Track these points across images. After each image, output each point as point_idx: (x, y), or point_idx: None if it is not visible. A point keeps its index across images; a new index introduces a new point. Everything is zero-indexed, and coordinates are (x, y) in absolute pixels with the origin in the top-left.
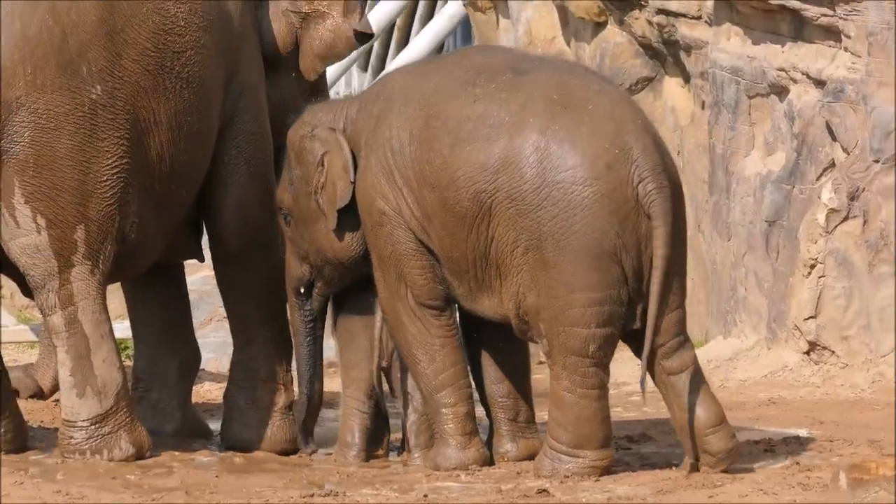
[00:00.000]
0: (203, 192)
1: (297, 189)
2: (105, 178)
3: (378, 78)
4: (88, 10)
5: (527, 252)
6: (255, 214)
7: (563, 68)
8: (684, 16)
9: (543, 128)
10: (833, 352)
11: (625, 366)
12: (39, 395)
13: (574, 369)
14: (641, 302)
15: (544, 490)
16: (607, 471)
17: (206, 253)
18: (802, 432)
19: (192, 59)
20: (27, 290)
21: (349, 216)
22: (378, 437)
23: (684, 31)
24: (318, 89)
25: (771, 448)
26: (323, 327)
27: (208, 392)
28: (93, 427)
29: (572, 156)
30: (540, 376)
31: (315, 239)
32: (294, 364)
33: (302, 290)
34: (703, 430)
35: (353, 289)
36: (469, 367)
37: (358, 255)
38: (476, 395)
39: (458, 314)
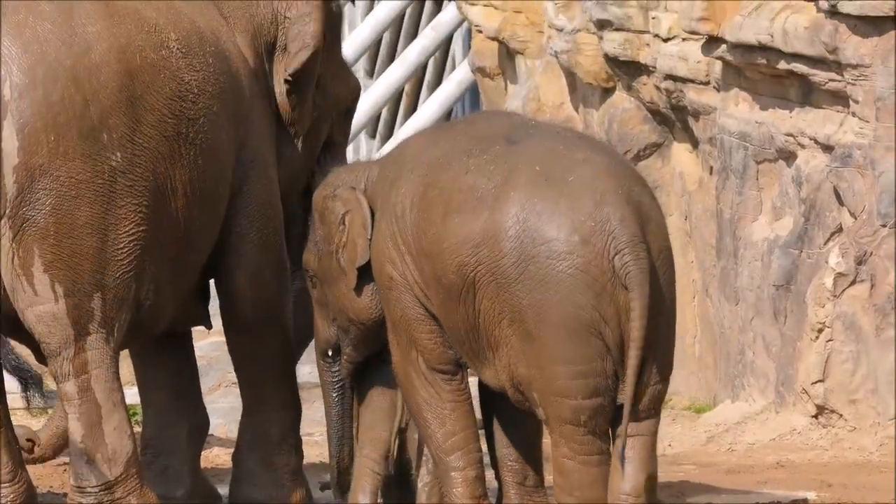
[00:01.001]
0: (214, 261)
1: (321, 249)
2: (122, 245)
3: (400, 141)
4: (109, 77)
5: (511, 324)
6: (267, 283)
7: (555, 136)
8: (692, 81)
9: (523, 201)
10: (841, 415)
11: None
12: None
13: (571, 437)
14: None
15: None
16: None
17: (214, 320)
18: (811, 495)
19: (205, 126)
20: (40, 357)
21: (369, 275)
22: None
23: (692, 96)
24: (332, 153)
25: None
26: (352, 392)
27: (216, 457)
28: (102, 493)
29: (549, 229)
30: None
31: (338, 299)
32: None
33: (330, 353)
34: (624, 494)
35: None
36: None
37: (377, 317)
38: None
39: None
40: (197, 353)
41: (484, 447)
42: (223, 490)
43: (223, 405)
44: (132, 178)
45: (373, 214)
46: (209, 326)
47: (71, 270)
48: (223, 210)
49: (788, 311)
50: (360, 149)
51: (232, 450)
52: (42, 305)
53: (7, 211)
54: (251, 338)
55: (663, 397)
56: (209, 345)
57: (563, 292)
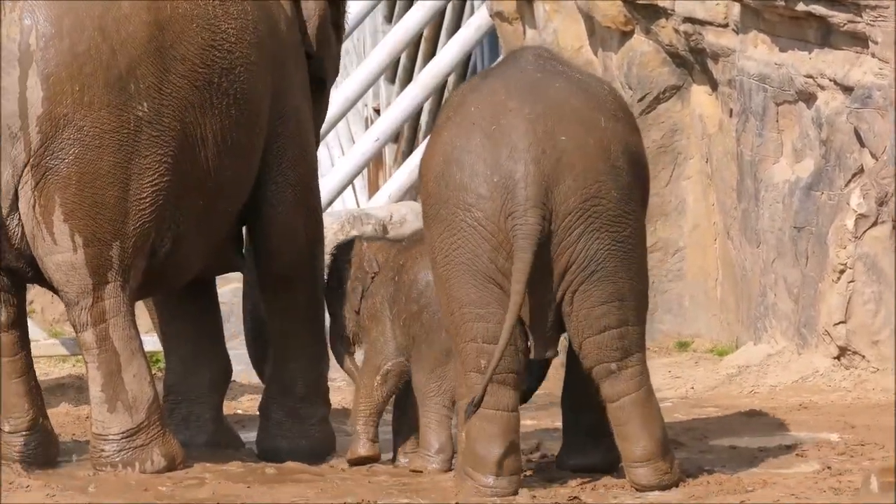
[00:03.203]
0: (247, 212)
1: None
2: (145, 195)
3: None
4: (138, 28)
5: (434, 267)
6: (300, 237)
7: (513, 77)
8: (711, 24)
9: (447, 143)
10: (863, 356)
11: (654, 373)
12: None
13: (474, 388)
14: (553, 330)
15: (576, 497)
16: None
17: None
18: (834, 437)
19: (241, 75)
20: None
21: None
22: None
23: (711, 38)
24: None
25: (802, 453)
26: None
27: (240, 404)
28: (124, 440)
29: (462, 177)
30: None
31: None
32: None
33: None
34: (630, 463)
35: None
36: None
37: None
38: None
39: None
40: (220, 299)
41: None
42: (246, 437)
43: (244, 351)
44: (158, 129)
45: None
46: (245, 273)
47: (91, 220)
48: (257, 161)
49: (810, 252)
50: (379, 94)
51: (257, 396)
52: (61, 254)
53: (30, 160)
54: (282, 290)
55: (620, 347)
56: (230, 291)
57: (463, 239)
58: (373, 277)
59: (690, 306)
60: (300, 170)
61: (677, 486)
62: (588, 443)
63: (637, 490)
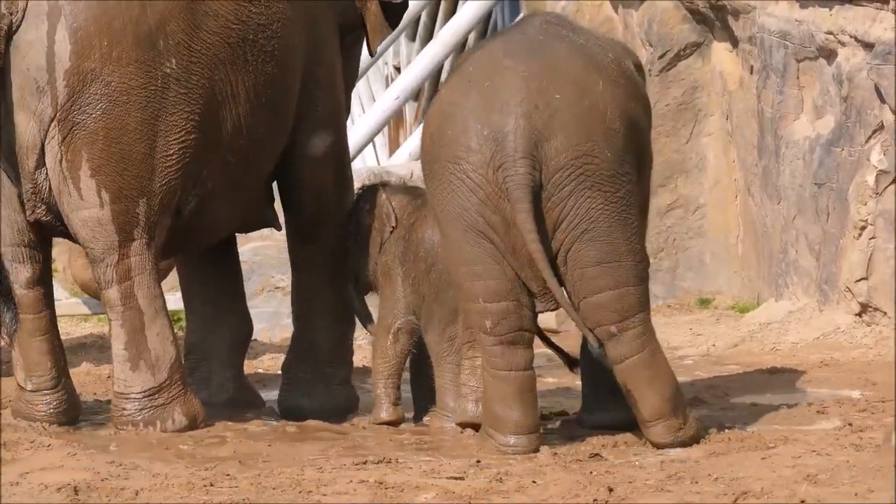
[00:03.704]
0: (280, 171)
1: None
2: (171, 152)
3: None
4: None
5: (438, 225)
6: (328, 192)
7: (514, 39)
8: None
9: (447, 101)
10: (885, 313)
11: (678, 330)
12: None
13: (484, 348)
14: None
15: (597, 454)
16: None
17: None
18: (855, 393)
19: (278, 31)
20: None
21: None
22: None
23: None
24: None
25: (823, 410)
26: None
27: (261, 363)
28: (146, 399)
29: (451, 132)
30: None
31: None
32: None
33: None
34: (643, 423)
35: None
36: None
37: None
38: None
39: None
40: (240, 258)
41: None
42: (266, 395)
43: (266, 310)
44: (186, 86)
45: None
46: (279, 228)
47: (118, 176)
48: (291, 117)
49: (830, 209)
50: (399, 52)
51: (278, 355)
52: (87, 210)
53: (57, 114)
54: (307, 245)
55: (620, 308)
56: (251, 250)
57: (453, 193)
58: (391, 231)
59: (711, 263)
60: (331, 126)
61: (697, 441)
62: (609, 400)
63: (656, 448)
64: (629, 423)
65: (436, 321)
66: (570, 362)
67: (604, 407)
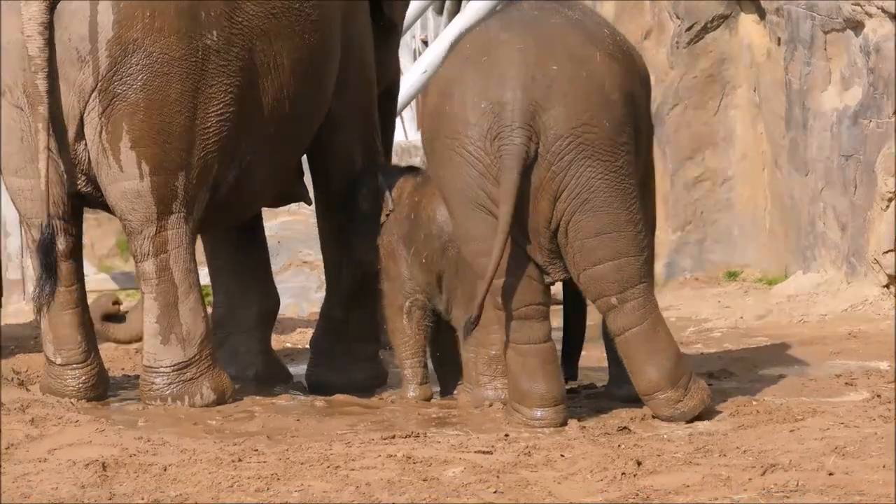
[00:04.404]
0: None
1: None
2: (210, 124)
3: None
4: None
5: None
6: (356, 164)
7: (510, 15)
8: None
9: (445, 78)
10: None
11: (706, 303)
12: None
13: (501, 324)
14: (558, 256)
15: (625, 427)
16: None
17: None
18: (883, 365)
19: (321, 1)
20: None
21: None
22: None
23: None
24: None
25: (852, 381)
26: None
27: (289, 337)
28: (174, 373)
29: (448, 108)
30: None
31: None
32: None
33: None
34: (643, 396)
35: None
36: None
37: None
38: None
39: None
40: (267, 232)
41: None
42: (294, 370)
43: (293, 284)
44: (227, 58)
45: None
46: (309, 201)
47: (158, 148)
48: (331, 87)
49: (858, 181)
50: (427, 25)
51: (306, 330)
52: (127, 182)
53: (98, 84)
54: (336, 216)
55: (620, 280)
56: (279, 224)
57: (454, 168)
58: (387, 215)
59: (739, 236)
60: (361, 97)
61: (700, 416)
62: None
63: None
64: None
65: (459, 297)
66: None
67: (628, 379)
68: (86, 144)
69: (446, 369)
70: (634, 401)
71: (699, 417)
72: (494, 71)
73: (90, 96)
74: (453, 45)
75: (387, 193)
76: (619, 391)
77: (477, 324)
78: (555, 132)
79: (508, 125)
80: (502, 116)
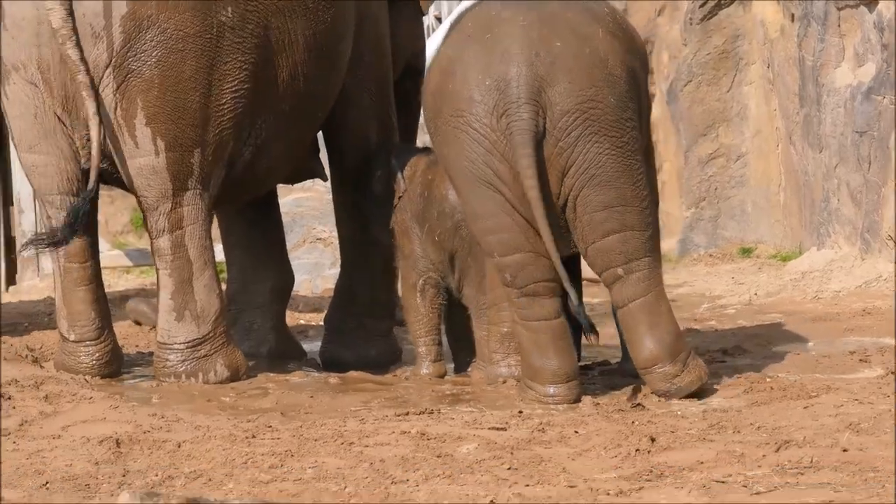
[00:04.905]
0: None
1: None
2: (225, 101)
3: None
4: None
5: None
6: (371, 141)
7: None
8: None
9: (447, 57)
10: None
11: (720, 279)
12: None
13: (511, 300)
14: (567, 231)
15: (639, 404)
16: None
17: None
18: None
19: None
20: None
21: None
22: None
23: None
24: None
25: (866, 358)
26: None
27: (302, 314)
28: (188, 350)
29: (452, 86)
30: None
31: None
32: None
33: None
34: (641, 369)
35: None
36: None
37: None
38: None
39: None
40: (281, 209)
41: None
42: (310, 347)
43: (307, 261)
44: (241, 35)
45: None
46: (324, 178)
47: (173, 124)
48: (345, 65)
49: (872, 157)
50: (440, 4)
51: (319, 306)
52: (142, 158)
53: (112, 60)
54: (350, 193)
55: (626, 251)
56: (293, 201)
57: (459, 146)
58: (400, 197)
59: (753, 212)
60: (376, 73)
61: (694, 388)
62: None
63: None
64: None
65: (471, 275)
66: (590, 325)
67: None
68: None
69: (461, 345)
70: None
71: (697, 395)
72: (498, 48)
73: (104, 72)
74: (454, 24)
75: (399, 175)
76: (632, 367)
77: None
78: (561, 108)
79: (515, 101)
80: (508, 92)
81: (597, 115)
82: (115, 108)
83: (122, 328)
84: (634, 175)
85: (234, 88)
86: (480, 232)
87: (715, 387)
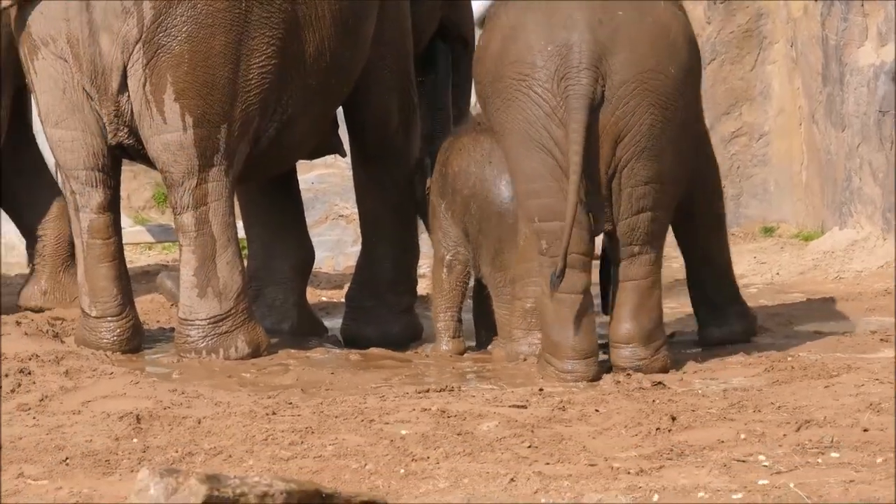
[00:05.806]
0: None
1: None
2: (252, 77)
3: None
4: None
5: (500, 142)
6: (393, 118)
7: None
8: None
9: (508, 24)
10: None
11: (742, 258)
12: None
13: (541, 271)
14: (608, 205)
15: (660, 382)
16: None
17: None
18: None
19: None
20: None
21: None
22: None
23: None
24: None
25: (887, 338)
26: None
27: (324, 291)
28: (210, 326)
29: (514, 51)
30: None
31: None
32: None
33: None
34: (613, 342)
35: None
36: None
37: None
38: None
39: None
40: (302, 185)
41: None
42: (331, 323)
43: (329, 238)
44: (269, 10)
45: None
46: (343, 154)
47: (202, 100)
48: (369, 40)
49: (895, 137)
50: None
51: (340, 283)
52: (170, 134)
53: (143, 36)
54: (371, 170)
55: (646, 232)
56: (315, 177)
57: (518, 108)
58: (429, 188)
59: (775, 191)
60: (397, 51)
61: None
62: (722, 313)
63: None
64: (747, 333)
65: (484, 252)
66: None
67: (718, 322)
68: (129, 96)
69: (484, 323)
70: (729, 341)
71: (625, 368)
72: (560, 14)
73: (134, 48)
74: None
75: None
76: (713, 334)
77: (563, 277)
78: (621, 77)
79: (576, 66)
80: (569, 58)
81: (655, 87)
82: (144, 84)
83: (143, 304)
84: (679, 152)
85: (261, 64)
86: (524, 194)
87: (735, 366)
